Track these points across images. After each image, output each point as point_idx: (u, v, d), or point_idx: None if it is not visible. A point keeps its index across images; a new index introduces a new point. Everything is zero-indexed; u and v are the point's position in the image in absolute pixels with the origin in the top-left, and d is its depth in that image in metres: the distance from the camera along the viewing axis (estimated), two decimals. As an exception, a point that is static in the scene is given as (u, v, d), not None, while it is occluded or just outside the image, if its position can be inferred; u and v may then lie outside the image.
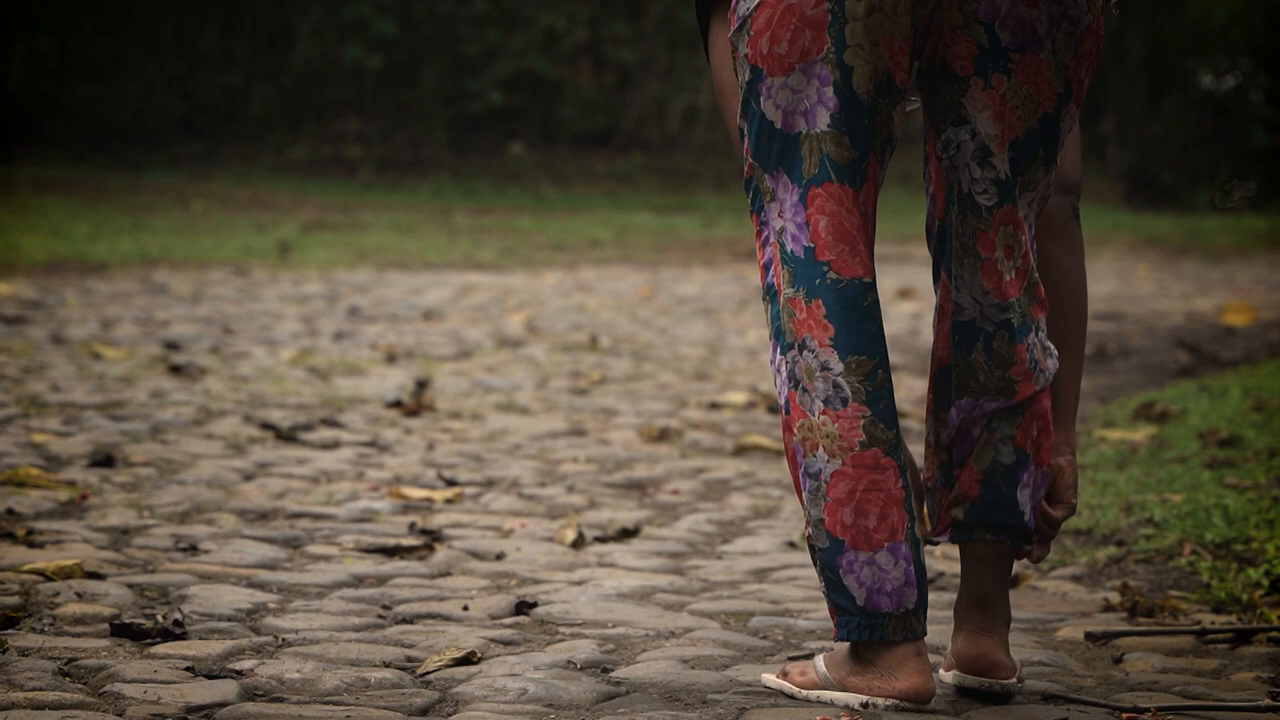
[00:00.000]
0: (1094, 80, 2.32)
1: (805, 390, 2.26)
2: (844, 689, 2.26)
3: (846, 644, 2.29)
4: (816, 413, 2.25)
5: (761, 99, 2.27)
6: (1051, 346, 2.36)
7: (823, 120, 2.25)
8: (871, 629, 2.23)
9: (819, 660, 2.32)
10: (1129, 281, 9.67)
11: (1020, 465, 2.31)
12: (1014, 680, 2.36)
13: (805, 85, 2.24)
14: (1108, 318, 7.85)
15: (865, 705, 2.23)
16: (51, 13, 15.77)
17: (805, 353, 2.26)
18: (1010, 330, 2.31)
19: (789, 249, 2.28)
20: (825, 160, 2.26)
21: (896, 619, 2.24)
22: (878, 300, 2.29)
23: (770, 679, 2.38)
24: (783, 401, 2.29)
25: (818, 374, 2.25)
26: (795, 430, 2.27)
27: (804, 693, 2.30)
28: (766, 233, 2.31)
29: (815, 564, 2.29)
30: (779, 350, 2.30)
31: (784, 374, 2.28)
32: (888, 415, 2.25)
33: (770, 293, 2.31)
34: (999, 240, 2.30)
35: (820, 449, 2.24)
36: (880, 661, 2.24)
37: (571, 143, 16.66)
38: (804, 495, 2.27)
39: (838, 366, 2.24)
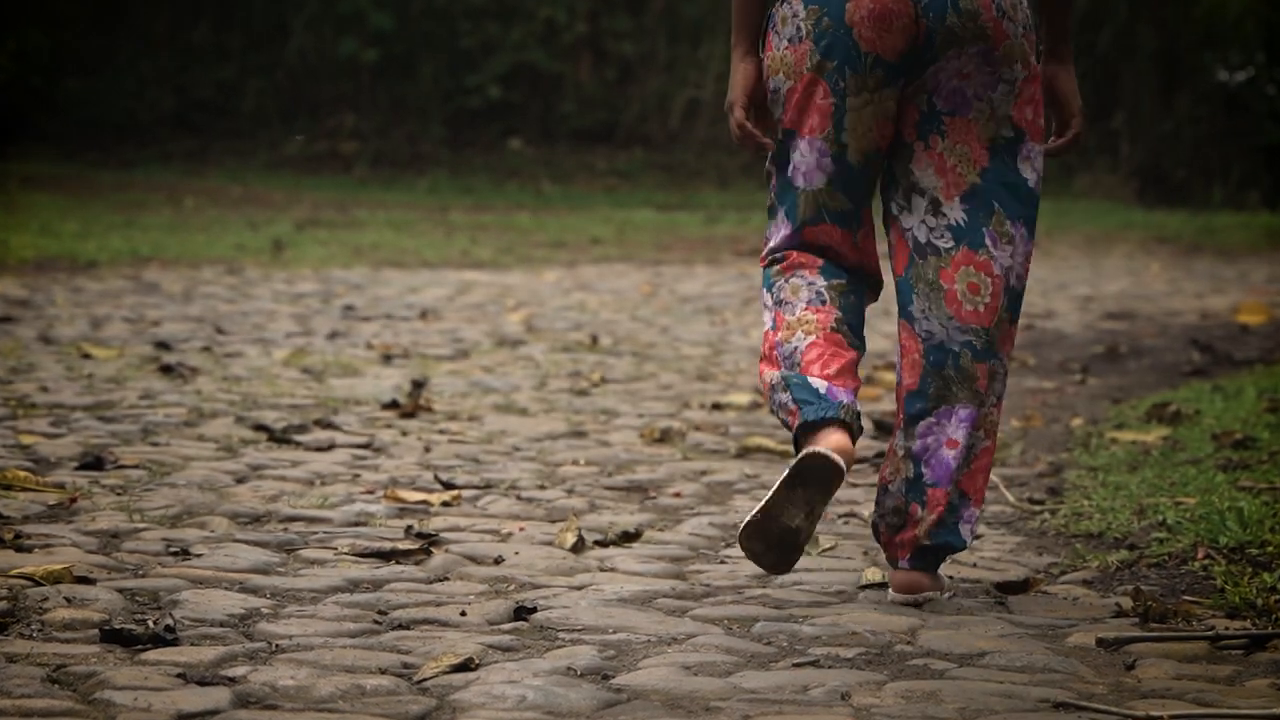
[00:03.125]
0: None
1: (789, 304, 2.91)
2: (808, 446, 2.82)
3: None
4: (799, 311, 2.90)
5: (791, 152, 2.96)
6: (1001, 379, 2.93)
7: (820, 181, 2.94)
8: (829, 409, 2.83)
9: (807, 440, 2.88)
10: (1141, 280, 9.66)
11: (963, 504, 2.94)
12: (941, 593, 2.97)
13: (810, 152, 2.93)
14: (1119, 316, 7.83)
15: (810, 451, 2.80)
16: (42, 7, 15.74)
17: (795, 277, 2.93)
18: (972, 350, 2.91)
19: (774, 243, 2.99)
20: (822, 209, 2.95)
21: (846, 407, 2.86)
22: (860, 290, 2.94)
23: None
24: (769, 322, 2.93)
25: (803, 289, 2.92)
26: (779, 332, 2.90)
27: (806, 450, 2.82)
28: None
29: (780, 405, 2.88)
30: (768, 290, 2.96)
31: (771, 302, 2.94)
32: (853, 322, 2.93)
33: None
34: (960, 277, 2.90)
35: (798, 332, 2.89)
36: (819, 435, 2.83)
37: (571, 138, 16.64)
38: (781, 368, 2.89)
39: (821, 283, 2.93)
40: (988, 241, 2.87)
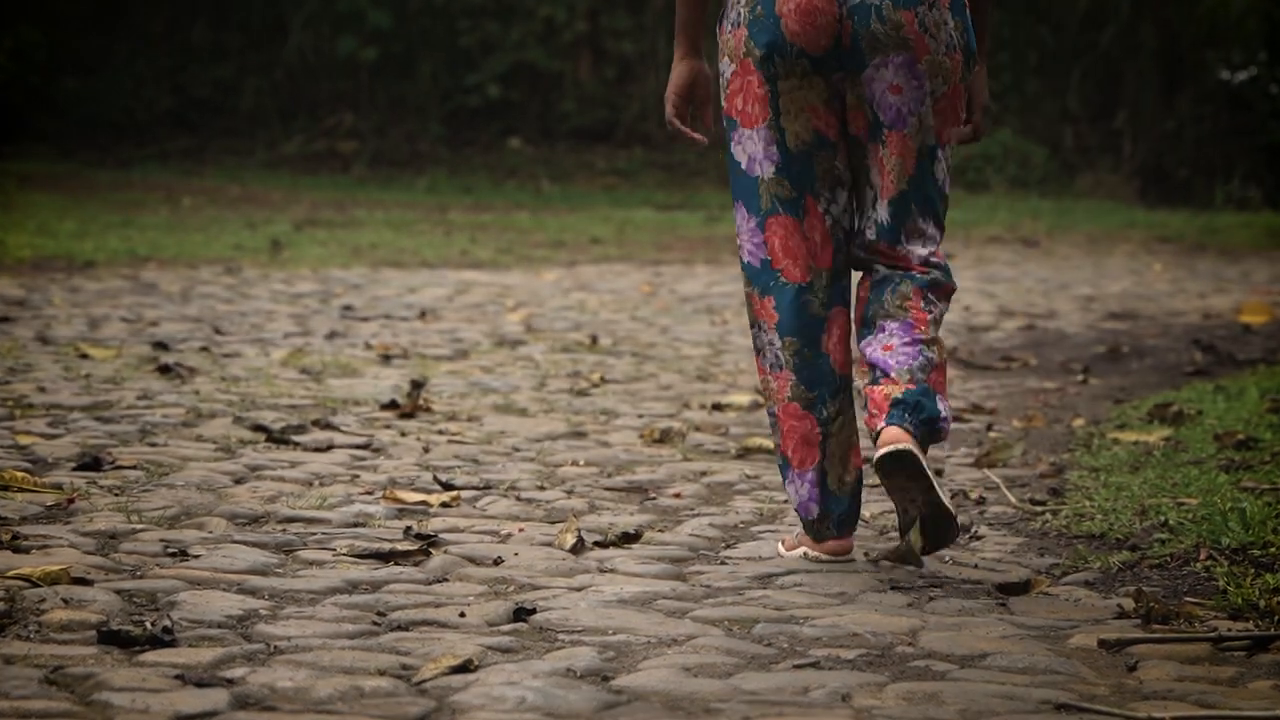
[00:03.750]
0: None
1: (763, 355, 3.26)
2: (798, 547, 3.30)
3: None
4: (768, 371, 3.25)
5: (733, 145, 3.20)
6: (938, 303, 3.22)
7: (769, 170, 3.17)
8: (804, 526, 3.27)
9: (793, 533, 3.36)
10: (1143, 280, 9.65)
11: (935, 390, 3.15)
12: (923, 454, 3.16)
13: (759, 141, 3.16)
14: (1121, 316, 7.82)
15: (805, 555, 3.28)
16: (40, 5, 15.72)
17: (761, 331, 3.25)
18: (910, 279, 3.20)
19: (746, 260, 3.24)
20: (775, 199, 3.18)
21: (810, 524, 3.25)
22: (816, 298, 3.20)
23: (779, 549, 3.35)
24: (756, 362, 3.29)
25: (767, 347, 3.24)
26: (762, 384, 3.28)
27: (785, 553, 3.30)
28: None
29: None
30: (750, 328, 3.29)
31: (753, 345, 3.29)
32: (810, 380, 3.20)
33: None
34: (878, 258, 3.21)
35: (771, 399, 3.26)
36: (813, 539, 3.29)
37: (571, 137, 16.63)
38: (770, 428, 3.29)
39: (778, 343, 3.22)
40: (903, 239, 3.20)
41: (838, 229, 3.21)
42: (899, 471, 3.02)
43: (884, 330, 3.15)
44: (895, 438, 3.03)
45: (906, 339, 3.14)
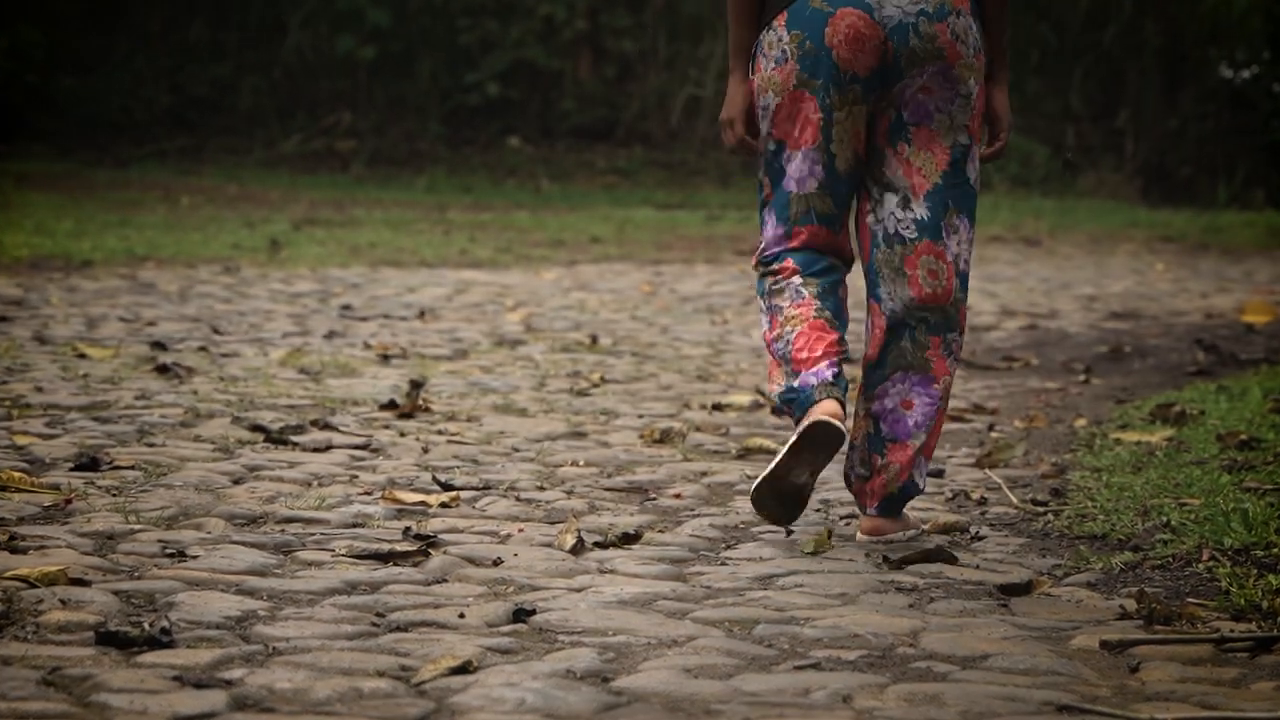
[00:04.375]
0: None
1: (778, 306, 3.41)
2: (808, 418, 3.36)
3: None
4: (785, 310, 3.40)
5: (785, 163, 3.43)
6: (957, 349, 3.46)
7: (813, 186, 3.42)
8: (814, 392, 3.36)
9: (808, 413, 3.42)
10: (1145, 279, 9.63)
11: (920, 457, 3.43)
12: (905, 532, 3.44)
13: (806, 162, 3.41)
14: (1124, 316, 7.81)
15: (807, 425, 3.33)
16: (38, 4, 15.70)
17: (779, 282, 3.42)
18: (927, 325, 3.42)
19: (767, 252, 3.47)
20: (813, 210, 3.42)
21: (823, 387, 3.36)
22: (837, 272, 3.43)
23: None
24: (765, 323, 3.44)
25: (787, 290, 3.41)
26: (773, 330, 3.41)
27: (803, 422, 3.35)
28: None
29: (779, 400, 3.41)
30: (761, 297, 3.46)
31: (765, 306, 3.45)
32: (833, 307, 3.41)
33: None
34: (922, 264, 3.40)
35: (787, 328, 3.39)
36: (814, 408, 3.34)
37: (571, 136, 16.61)
38: (777, 360, 3.40)
39: (798, 281, 3.41)
40: (944, 233, 3.39)
41: (854, 237, 3.51)
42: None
43: (904, 381, 3.42)
44: (873, 528, 3.46)
45: (926, 398, 3.42)
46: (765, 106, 3.41)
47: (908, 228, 3.39)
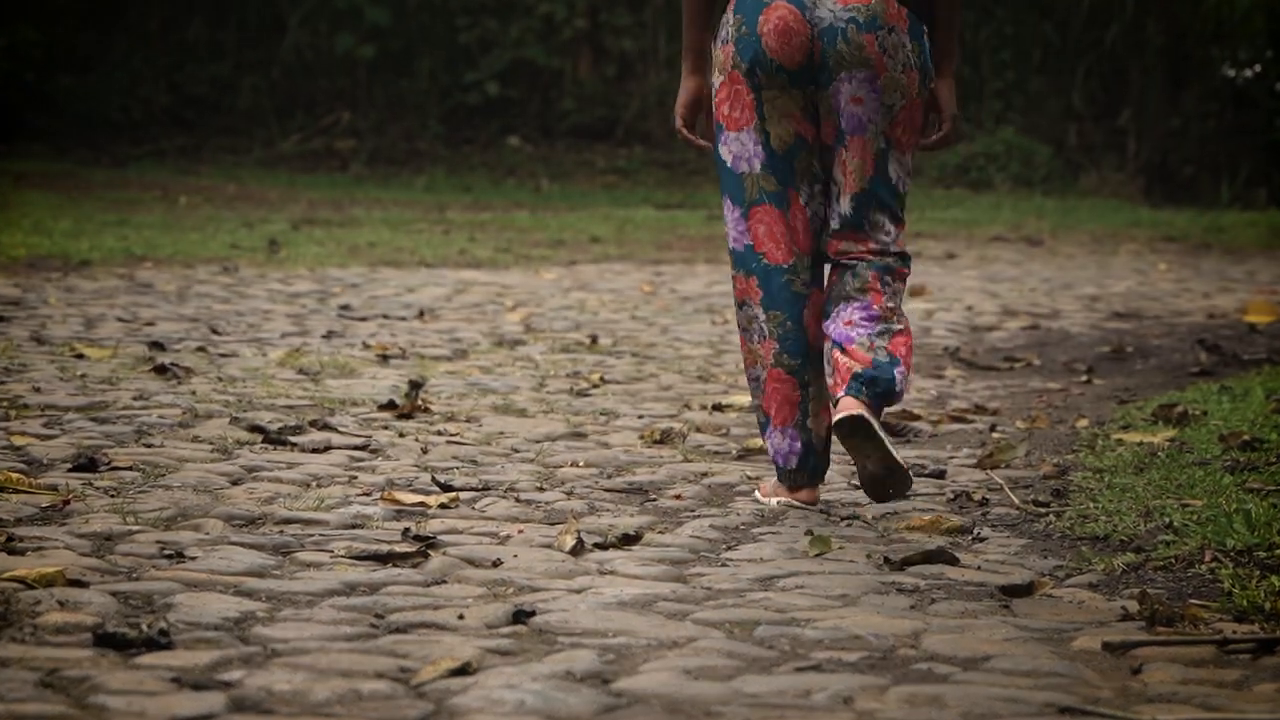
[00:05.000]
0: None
1: (747, 331, 3.74)
2: (774, 495, 3.78)
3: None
4: (754, 343, 3.73)
5: (721, 146, 3.71)
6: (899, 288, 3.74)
7: (756, 166, 3.67)
8: (779, 475, 3.76)
9: (768, 481, 3.85)
10: (1148, 279, 9.62)
11: (891, 360, 3.61)
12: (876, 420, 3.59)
13: (747, 142, 3.66)
14: (1126, 316, 7.79)
15: (779, 503, 3.75)
16: (36, 3, 15.68)
17: (746, 308, 3.73)
18: (869, 265, 3.70)
19: (732, 246, 3.75)
20: (761, 191, 3.68)
21: (788, 473, 3.74)
22: (797, 278, 3.69)
23: (755, 495, 3.82)
24: (740, 338, 3.77)
25: (752, 321, 3.72)
26: (746, 354, 3.76)
27: (762, 499, 3.77)
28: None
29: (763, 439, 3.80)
30: (735, 309, 3.77)
31: (738, 324, 3.76)
32: (792, 348, 3.70)
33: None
34: (843, 245, 3.72)
35: (757, 364, 3.73)
36: (791, 489, 3.78)
37: (570, 136, 16.60)
38: (751, 391, 3.77)
39: (763, 316, 3.71)
40: (866, 228, 3.69)
41: (815, 219, 3.72)
42: (854, 435, 3.51)
43: (845, 309, 3.65)
44: (849, 406, 3.52)
45: (864, 315, 3.63)
46: (712, 85, 3.70)
47: (835, 219, 3.70)
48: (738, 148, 3.66)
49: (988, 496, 3.93)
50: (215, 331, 6.35)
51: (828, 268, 3.73)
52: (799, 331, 3.68)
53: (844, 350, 3.61)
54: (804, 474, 3.72)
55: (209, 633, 2.62)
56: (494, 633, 2.70)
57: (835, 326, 3.64)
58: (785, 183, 3.66)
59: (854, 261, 3.67)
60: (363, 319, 6.95)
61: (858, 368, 3.57)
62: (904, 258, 3.71)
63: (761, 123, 3.63)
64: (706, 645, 2.66)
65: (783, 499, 3.72)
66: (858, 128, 3.62)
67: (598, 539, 3.37)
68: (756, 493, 3.82)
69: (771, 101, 3.61)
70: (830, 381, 3.62)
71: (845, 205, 3.67)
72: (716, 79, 3.67)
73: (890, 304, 3.66)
